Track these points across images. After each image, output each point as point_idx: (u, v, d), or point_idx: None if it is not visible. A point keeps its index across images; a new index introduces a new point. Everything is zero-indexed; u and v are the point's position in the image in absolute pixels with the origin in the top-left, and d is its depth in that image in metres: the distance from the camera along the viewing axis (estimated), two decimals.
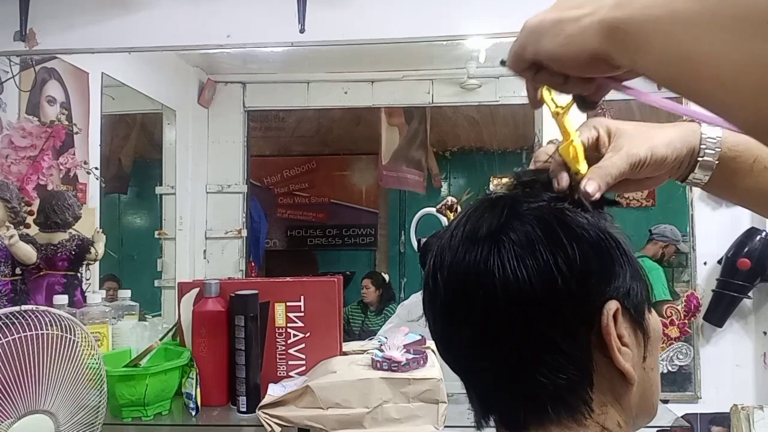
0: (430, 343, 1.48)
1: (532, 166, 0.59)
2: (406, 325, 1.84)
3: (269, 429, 1.28)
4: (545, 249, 0.48)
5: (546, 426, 0.50)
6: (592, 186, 0.52)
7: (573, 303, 0.48)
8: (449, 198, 2.01)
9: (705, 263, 2.08)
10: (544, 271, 0.48)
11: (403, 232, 4.82)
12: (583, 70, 0.45)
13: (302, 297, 1.48)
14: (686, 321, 2.03)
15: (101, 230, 2.05)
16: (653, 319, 0.54)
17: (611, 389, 0.50)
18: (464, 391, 0.55)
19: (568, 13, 0.44)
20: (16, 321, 1.08)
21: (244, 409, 1.36)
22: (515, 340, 0.49)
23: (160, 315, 2.38)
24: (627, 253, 0.52)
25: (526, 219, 0.50)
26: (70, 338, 1.15)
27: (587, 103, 0.53)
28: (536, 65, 0.49)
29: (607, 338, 0.49)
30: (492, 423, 0.53)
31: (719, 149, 0.57)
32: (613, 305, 0.49)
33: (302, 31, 2.13)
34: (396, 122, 3.91)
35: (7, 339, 1.06)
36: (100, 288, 2.22)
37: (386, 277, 4.07)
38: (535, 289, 0.48)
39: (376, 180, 4.29)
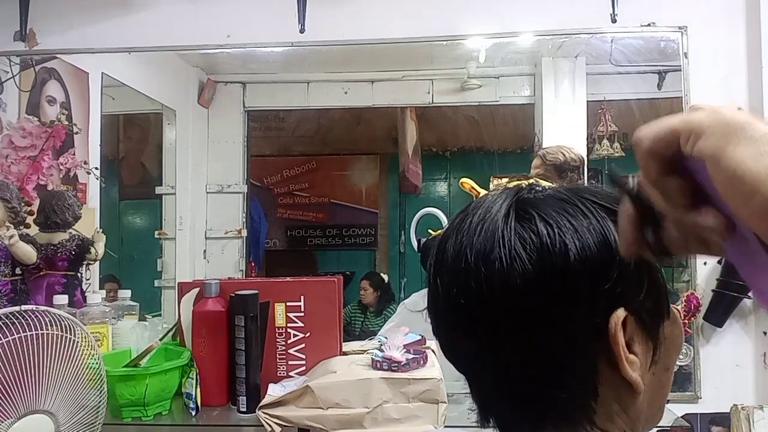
0: (430, 343, 1.48)
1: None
2: (409, 317, 1.84)
3: (269, 429, 1.27)
4: (550, 253, 0.45)
5: None
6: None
7: (578, 311, 0.45)
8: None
9: (705, 263, 2.07)
10: (546, 275, 0.45)
11: (403, 232, 4.81)
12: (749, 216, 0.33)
13: (302, 297, 1.48)
14: (686, 321, 2.03)
15: (101, 230, 2.06)
16: (670, 326, 0.50)
17: (617, 399, 0.48)
18: (464, 391, 0.55)
19: None
20: (16, 321, 1.08)
21: (244, 409, 1.36)
22: (516, 348, 0.47)
23: (160, 315, 2.37)
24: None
25: (525, 222, 0.47)
26: (70, 338, 1.15)
27: (664, 253, 0.41)
28: (671, 168, 0.36)
29: (614, 348, 0.45)
30: (492, 423, 0.52)
31: None
32: (621, 313, 0.45)
33: (302, 31, 2.13)
34: (414, 117, 3.96)
35: (7, 339, 1.06)
36: (100, 288, 2.22)
37: (385, 277, 4.06)
38: (537, 296, 0.45)
39: (402, 174, 4.27)
